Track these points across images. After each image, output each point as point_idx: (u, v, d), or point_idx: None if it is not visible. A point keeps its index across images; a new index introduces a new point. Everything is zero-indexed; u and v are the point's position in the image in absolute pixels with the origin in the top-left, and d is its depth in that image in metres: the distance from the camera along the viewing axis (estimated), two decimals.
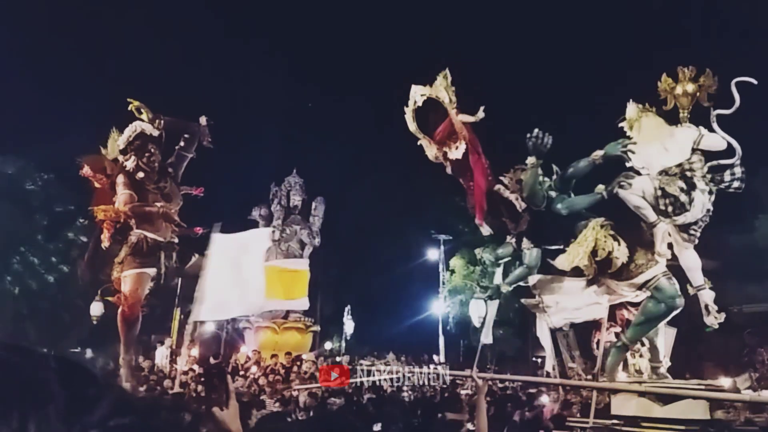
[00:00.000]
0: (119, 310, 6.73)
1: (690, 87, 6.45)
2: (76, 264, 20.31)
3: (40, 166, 19.38)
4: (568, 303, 7.14)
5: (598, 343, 7.52)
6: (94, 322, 17.76)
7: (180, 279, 7.04)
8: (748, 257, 17.70)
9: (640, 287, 6.48)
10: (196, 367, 13.05)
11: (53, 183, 19.48)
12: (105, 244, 6.87)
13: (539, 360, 24.81)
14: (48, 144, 18.32)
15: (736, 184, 6.17)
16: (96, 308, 17.68)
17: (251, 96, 26.90)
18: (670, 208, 6.21)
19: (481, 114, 7.04)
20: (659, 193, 6.24)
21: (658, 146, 6.38)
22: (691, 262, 6.46)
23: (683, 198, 6.13)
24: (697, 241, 6.39)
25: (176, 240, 7.03)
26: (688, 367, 15.44)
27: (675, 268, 6.57)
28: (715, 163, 6.34)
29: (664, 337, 6.71)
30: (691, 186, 6.13)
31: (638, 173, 6.43)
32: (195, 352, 14.74)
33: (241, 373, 12.60)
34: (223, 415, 1.40)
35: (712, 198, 6.17)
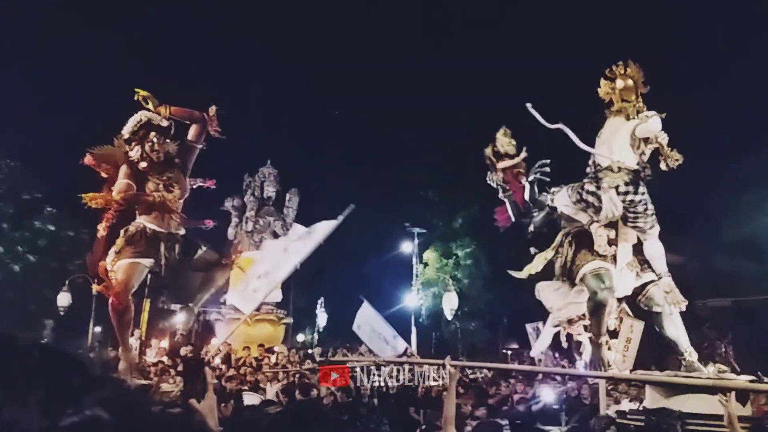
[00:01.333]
0: (110, 301, 6.63)
1: (626, 82, 6.72)
2: (44, 253, 19.88)
3: (7, 154, 18.89)
4: (555, 304, 7.55)
5: (567, 336, 7.65)
6: (62, 313, 17.43)
7: (179, 271, 6.91)
8: (714, 253, 18.18)
9: (577, 284, 6.99)
10: (165, 358, 12.91)
11: (19, 171, 19.00)
12: (101, 233, 6.74)
13: (509, 352, 25.22)
14: (15, 132, 17.85)
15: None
16: (63, 299, 17.37)
17: (225, 84, 26.52)
18: (590, 210, 6.67)
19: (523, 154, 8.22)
20: (574, 199, 6.77)
21: (606, 148, 6.65)
22: (652, 252, 6.74)
23: (590, 199, 6.55)
24: (650, 231, 6.61)
25: (182, 232, 6.91)
26: (653, 359, 15.88)
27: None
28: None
29: (677, 328, 6.82)
30: (597, 186, 6.52)
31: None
32: (164, 344, 14.58)
33: (212, 365, 12.50)
34: (200, 407, 1.41)
35: (622, 194, 6.39)
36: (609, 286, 6.65)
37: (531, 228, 8.13)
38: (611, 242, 6.80)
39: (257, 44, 29.92)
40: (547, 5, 27.98)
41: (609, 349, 7.58)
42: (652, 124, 6.50)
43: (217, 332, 18.66)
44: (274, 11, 31.52)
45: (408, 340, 24.25)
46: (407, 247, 25.53)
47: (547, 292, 7.57)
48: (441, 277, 24.82)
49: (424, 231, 25.15)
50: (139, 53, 23.58)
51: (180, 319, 7.46)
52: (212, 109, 7.05)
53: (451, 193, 26.59)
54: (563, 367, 15.31)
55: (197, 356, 11.13)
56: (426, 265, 25.73)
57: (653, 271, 6.80)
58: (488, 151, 8.48)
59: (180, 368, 11.90)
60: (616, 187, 6.41)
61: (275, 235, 19.47)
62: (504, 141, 8.36)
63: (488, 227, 26.90)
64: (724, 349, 16.56)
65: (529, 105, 6.79)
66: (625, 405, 8.57)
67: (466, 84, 30.21)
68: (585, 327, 7.75)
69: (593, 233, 6.78)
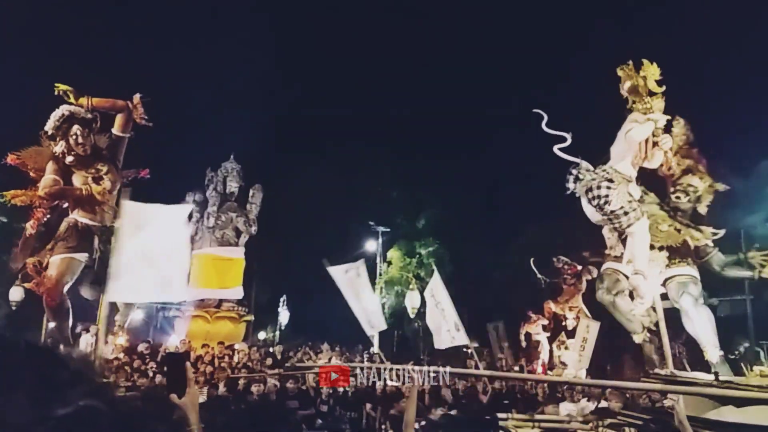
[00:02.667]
0: (43, 298, 6.45)
1: (633, 81, 6.85)
2: None
3: None
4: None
5: (526, 335, 7.75)
6: (13, 308, 16.84)
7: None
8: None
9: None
10: (121, 355, 12.61)
11: None
12: (29, 231, 6.55)
13: (470, 351, 25.51)
14: None
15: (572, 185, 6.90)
16: (15, 293, 16.77)
17: (187, 73, 26.04)
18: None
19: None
20: (584, 201, 6.97)
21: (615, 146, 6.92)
22: (632, 250, 6.91)
23: (583, 201, 6.91)
24: (629, 230, 6.78)
25: (117, 224, 6.76)
26: (609, 359, 16.29)
27: None
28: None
29: (695, 325, 6.85)
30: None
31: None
32: (122, 340, 14.24)
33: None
34: (181, 402, 1.40)
35: (592, 197, 6.73)
36: (605, 287, 6.86)
37: None
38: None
39: (223, 36, 29.50)
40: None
41: (566, 348, 7.68)
42: (635, 132, 6.69)
43: (176, 328, 18.32)
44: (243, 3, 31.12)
45: (370, 340, 24.32)
46: (371, 245, 25.55)
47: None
48: (404, 276, 24.90)
49: (389, 230, 25.21)
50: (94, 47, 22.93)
51: (119, 313, 7.33)
52: (136, 97, 6.94)
53: (416, 192, 26.70)
54: (521, 366, 15.58)
55: (178, 352, 10.92)
56: (390, 263, 25.79)
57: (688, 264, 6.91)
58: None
59: (136, 364, 11.64)
60: (588, 190, 6.67)
61: (237, 231, 19.22)
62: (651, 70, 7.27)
63: (452, 226, 27.11)
64: (677, 350, 17.08)
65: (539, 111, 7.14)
66: (584, 404, 8.72)
67: (433, 83, 30.41)
68: (543, 327, 7.87)
69: (604, 234, 7.11)
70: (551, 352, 15.09)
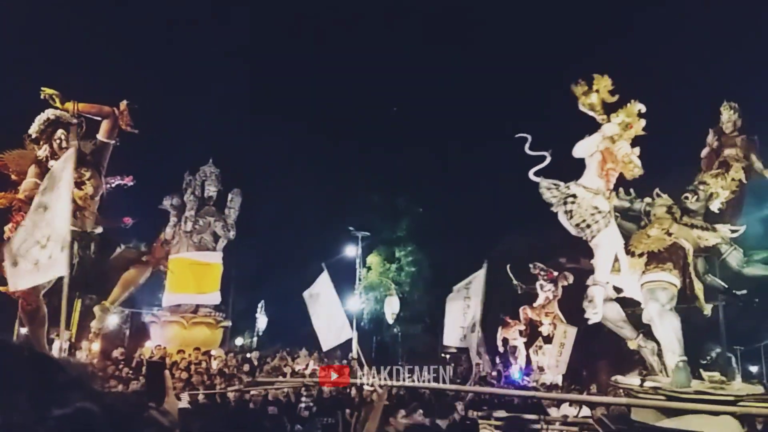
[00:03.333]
0: (19, 302, 6.34)
1: (587, 98, 7.15)
2: None
3: None
4: None
5: (504, 341, 7.87)
6: None
7: (99, 270, 6.65)
8: None
9: None
10: (95, 361, 12.40)
11: None
12: (7, 234, 6.45)
13: (447, 356, 25.60)
14: None
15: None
16: None
17: (165, 75, 25.77)
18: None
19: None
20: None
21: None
22: (595, 260, 7.18)
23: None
24: (593, 242, 7.06)
25: (98, 230, 6.66)
26: (585, 365, 16.47)
27: None
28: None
29: (658, 333, 6.92)
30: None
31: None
32: (96, 346, 14.00)
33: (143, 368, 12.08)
34: (161, 409, 1.42)
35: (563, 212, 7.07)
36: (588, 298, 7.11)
37: None
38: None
39: (202, 40, 29.27)
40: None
41: (543, 354, 7.82)
42: (576, 148, 7.10)
43: (151, 334, 18.06)
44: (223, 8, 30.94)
45: (349, 345, 24.23)
46: (351, 250, 25.51)
47: None
48: (384, 282, 24.92)
49: (368, 234, 25.21)
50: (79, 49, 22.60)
51: (95, 318, 7.24)
52: (123, 104, 6.91)
53: (396, 197, 26.77)
54: (499, 371, 15.67)
55: (159, 359, 10.74)
56: (369, 269, 25.77)
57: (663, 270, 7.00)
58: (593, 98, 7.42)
59: (110, 370, 11.45)
60: (558, 206, 7.07)
61: (215, 236, 19.04)
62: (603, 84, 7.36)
63: (431, 232, 27.18)
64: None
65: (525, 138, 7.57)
66: (565, 409, 8.81)
67: (414, 88, 30.52)
68: (520, 332, 8.01)
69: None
70: (528, 357, 15.24)
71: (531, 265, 15.39)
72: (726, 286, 7.49)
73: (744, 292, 7.56)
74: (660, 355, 7.05)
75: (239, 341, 27.14)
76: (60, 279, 6.53)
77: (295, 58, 32.31)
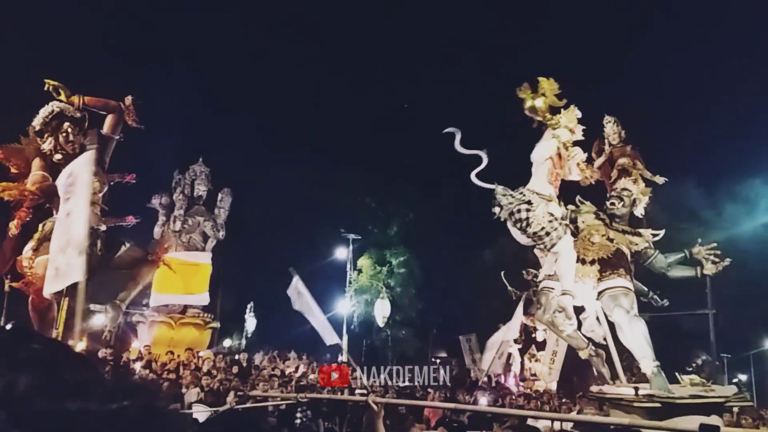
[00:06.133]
0: (29, 299, 6.23)
1: (532, 102, 6.96)
2: None
3: None
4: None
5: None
6: None
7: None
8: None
9: None
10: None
11: None
12: (13, 231, 6.30)
13: (437, 360, 25.49)
14: None
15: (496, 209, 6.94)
16: None
17: (156, 74, 25.51)
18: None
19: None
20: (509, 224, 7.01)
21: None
22: (558, 269, 6.94)
23: (510, 225, 6.94)
24: (554, 249, 6.84)
25: (103, 227, 6.54)
26: (575, 372, 16.43)
27: None
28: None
29: (627, 339, 6.78)
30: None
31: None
32: (82, 345, 13.74)
33: (132, 368, 11.88)
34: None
35: (514, 220, 6.79)
36: (543, 307, 6.93)
37: None
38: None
39: (191, 40, 29.04)
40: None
41: (537, 361, 7.70)
42: (535, 152, 6.93)
43: (138, 335, 17.79)
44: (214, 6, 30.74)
45: (339, 347, 24.06)
46: (342, 253, 25.36)
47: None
48: (374, 285, 24.77)
49: (359, 237, 25.08)
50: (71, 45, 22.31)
51: (108, 317, 7.11)
52: (128, 99, 6.82)
53: (387, 200, 26.65)
54: (489, 377, 15.56)
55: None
56: (360, 271, 25.62)
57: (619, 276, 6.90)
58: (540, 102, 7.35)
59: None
60: (510, 214, 6.73)
61: (205, 236, 18.80)
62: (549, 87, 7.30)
63: (423, 235, 27.10)
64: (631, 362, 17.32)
65: (452, 129, 7.14)
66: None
67: (404, 90, 30.47)
68: (514, 339, 7.89)
69: (537, 254, 7.18)
70: (522, 364, 15.15)
71: (524, 272, 15.32)
72: (647, 290, 7.59)
73: (666, 302, 7.66)
74: (612, 363, 6.99)
75: (227, 343, 26.87)
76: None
77: (286, 57, 32.15)
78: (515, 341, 14.93)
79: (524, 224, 6.68)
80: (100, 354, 13.46)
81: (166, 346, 15.83)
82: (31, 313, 6.33)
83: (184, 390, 10.36)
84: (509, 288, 15.49)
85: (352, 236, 24.60)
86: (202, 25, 29.91)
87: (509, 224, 6.84)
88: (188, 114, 26.03)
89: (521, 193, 6.81)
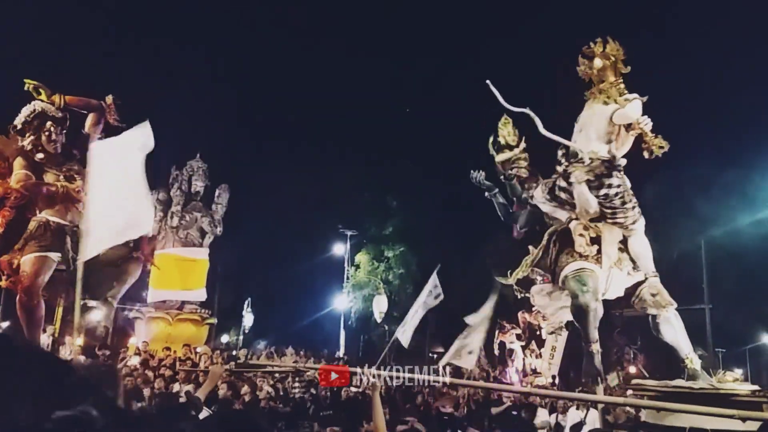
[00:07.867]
0: (17, 297, 6.20)
1: (604, 61, 6.12)
2: None
3: None
4: (548, 309, 6.97)
5: (500, 344, 7.64)
6: None
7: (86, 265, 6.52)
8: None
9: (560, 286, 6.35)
10: (82, 357, 12.13)
11: None
12: None
13: (435, 356, 25.57)
14: None
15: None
16: None
17: (153, 69, 25.38)
18: (566, 207, 6.18)
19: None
20: (548, 196, 6.23)
21: (583, 135, 6.05)
22: (636, 249, 6.14)
23: (563, 195, 6.10)
24: (633, 226, 6.04)
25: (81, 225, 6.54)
26: (572, 365, 16.46)
27: None
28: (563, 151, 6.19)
29: (676, 332, 6.14)
30: (568, 181, 6.01)
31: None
32: (80, 341, 13.71)
33: (128, 365, 11.85)
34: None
35: (594, 188, 5.89)
36: (590, 289, 5.91)
37: (517, 228, 7.47)
38: (594, 240, 6.12)
39: (188, 37, 28.93)
40: None
41: (537, 357, 7.58)
42: (629, 109, 5.77)
43: (135, 330, 17.77)
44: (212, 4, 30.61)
45: (336, 343, 24.08)
46: (339, 248, 25.34)
47: (540, 297, 6.94)
48: (372, 280, 24.76)
49: (357, 233, 25.05)
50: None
51: (100, 314, 7.11)
52: (109, 98, 6.84)
53: (385, 195, 26.61)
54: (487, 371, 15.58)
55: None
56: (357, 267, 25.61)
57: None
58: (490, 143, 7.30)
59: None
60: (588, 181, 5.85)
61: (202, 232, 18.76)
62: (504, 131, 7.21)
63: (420, 231, 27.06)
64: (632, 355, 17.35)
65: (489, 82, 6.10)
66: (573, 414, 8.72)
67: (403, 85, 30.43)
68: (518, 336, 7.73)
69: (573, 232, 6.16)
70: (524, 360, 15.18)
71: (530, 270, 15.32)
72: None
73: None
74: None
75: (225, 339, 26.87)
76: (59, 274, 6.39)
77: (284, 56, 32.06)
78: (518, 337, 14.97)
79: (612, 192, 5.80)
80: (98, 351, 13.43)
81: (164, 342, 15.82)
82: (19, 312, 6.31)
83: (178, 387, 10.34)
84: (514, 286, 15.40)
85: (349, 232, 24.59)
86: (201, 18, 29.81)
87: (581, 189, 5.89)
88: (186, 109, 25.96)
89: (608, 158, 5.79)
